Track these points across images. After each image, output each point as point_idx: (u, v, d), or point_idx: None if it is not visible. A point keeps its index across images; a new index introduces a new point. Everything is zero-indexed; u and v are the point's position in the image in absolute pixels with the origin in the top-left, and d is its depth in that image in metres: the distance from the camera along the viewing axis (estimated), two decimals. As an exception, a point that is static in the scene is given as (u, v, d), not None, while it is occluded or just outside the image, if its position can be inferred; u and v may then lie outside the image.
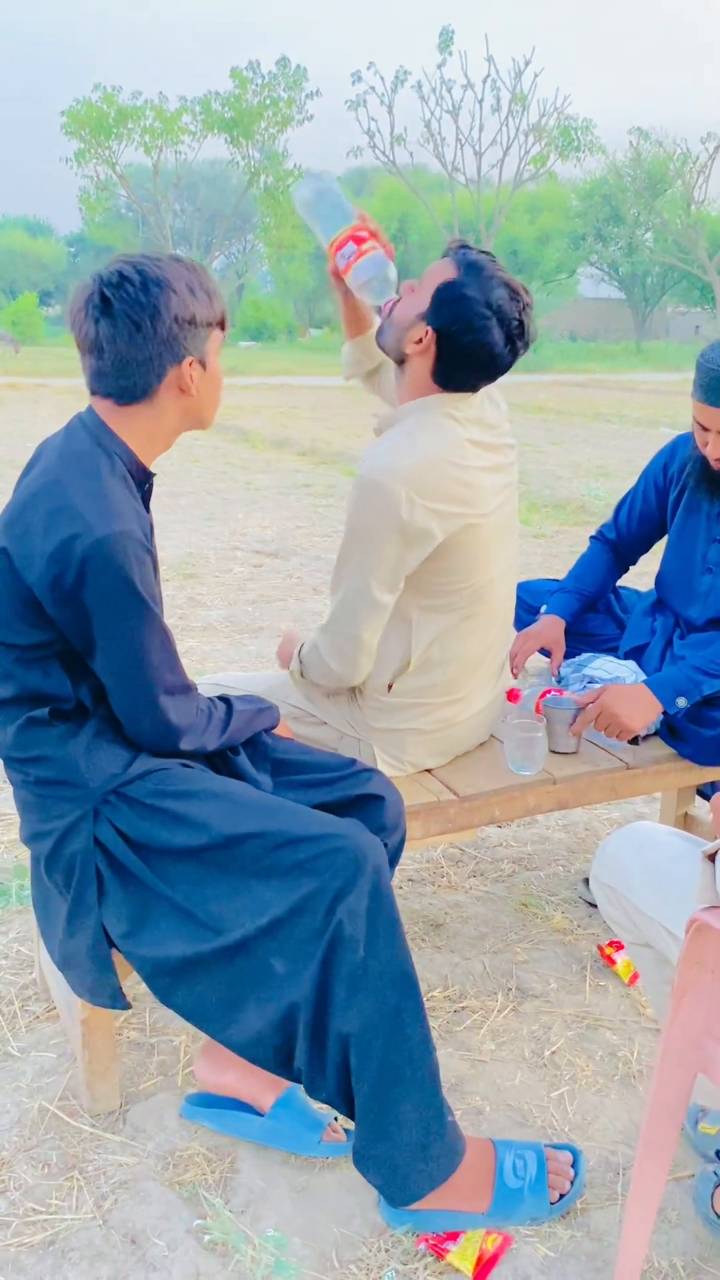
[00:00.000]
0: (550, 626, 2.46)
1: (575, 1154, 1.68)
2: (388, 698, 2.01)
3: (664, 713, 2.15)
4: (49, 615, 1.52)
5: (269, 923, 1.52)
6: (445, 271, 1.86)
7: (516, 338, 1.85)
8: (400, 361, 1.93)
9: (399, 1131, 1.54)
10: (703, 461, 2.24)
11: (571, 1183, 1.64)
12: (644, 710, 2.13)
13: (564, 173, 37.93)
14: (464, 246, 1.91)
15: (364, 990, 1.51)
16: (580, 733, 2.17)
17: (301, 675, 2.04)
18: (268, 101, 33.91)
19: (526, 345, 1.90)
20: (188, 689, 1.66)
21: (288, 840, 1.55)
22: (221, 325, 1.66)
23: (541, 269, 36.67)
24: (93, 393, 1.61)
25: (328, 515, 7.55)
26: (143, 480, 1.65)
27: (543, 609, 2.53)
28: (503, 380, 2.10)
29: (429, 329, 1.84)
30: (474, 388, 1.90)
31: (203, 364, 1.62)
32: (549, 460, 10.56)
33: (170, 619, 4.65)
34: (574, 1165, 1.67)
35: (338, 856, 1.53)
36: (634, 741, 2.23)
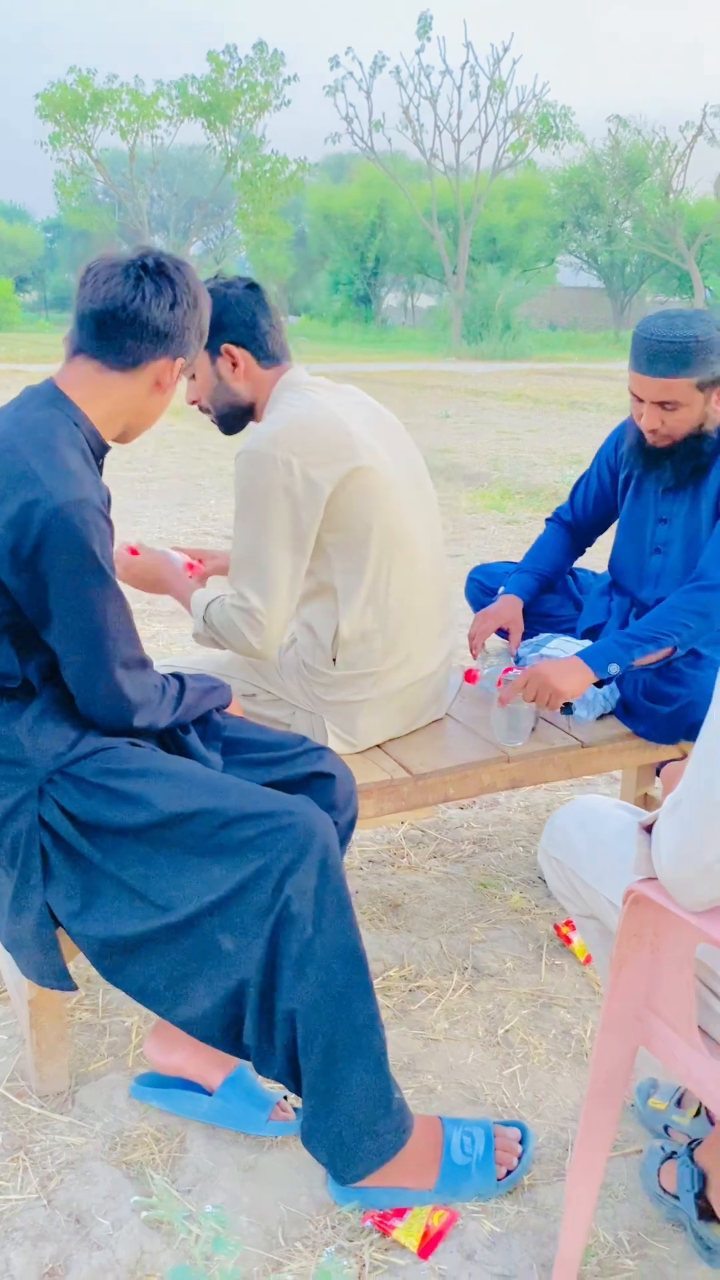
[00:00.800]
0: (508, 606, 2.45)
1: (524, 1130, 1.68)
2: (335, 671, 2.01)
3: (598, 681, 2.17)
4: (3, 584, 1.50)
5: (217, 900, 1.51)
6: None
7: (235, 284, 1.97)
8: (251, 405, 2.03)
9: (346, 1108, 1.53)
10: (639, 438, 2.23)
11: (519, 1159, 1.64)
12: (574, 677, 2.12)
13: (542, 160, 37.87)
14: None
15: (311, 967, 1.50)
16: (508, 700, 2.16)
17: (204, 636, 2.01)
18: (245, 86, 33.64)
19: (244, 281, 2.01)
20: (144, 663, 1.64)
21: (235, 817, 1.54)
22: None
23: (520, 257, 36.58)
24: (77, 352, 1.60)
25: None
26: (100, 453, 1.64)
27: (500, 590, 2.53)
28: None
29: (228, 349, 1.95)
30: (281, 343, 2.01)
31: (179, 376, 1.66)
32: (524, 448, 10.57)
33: (136, 603, 4.61)
34: (522, 1142, 1.66)
35: (286, 833, 1.52)
36: (567, 710, 2.24)
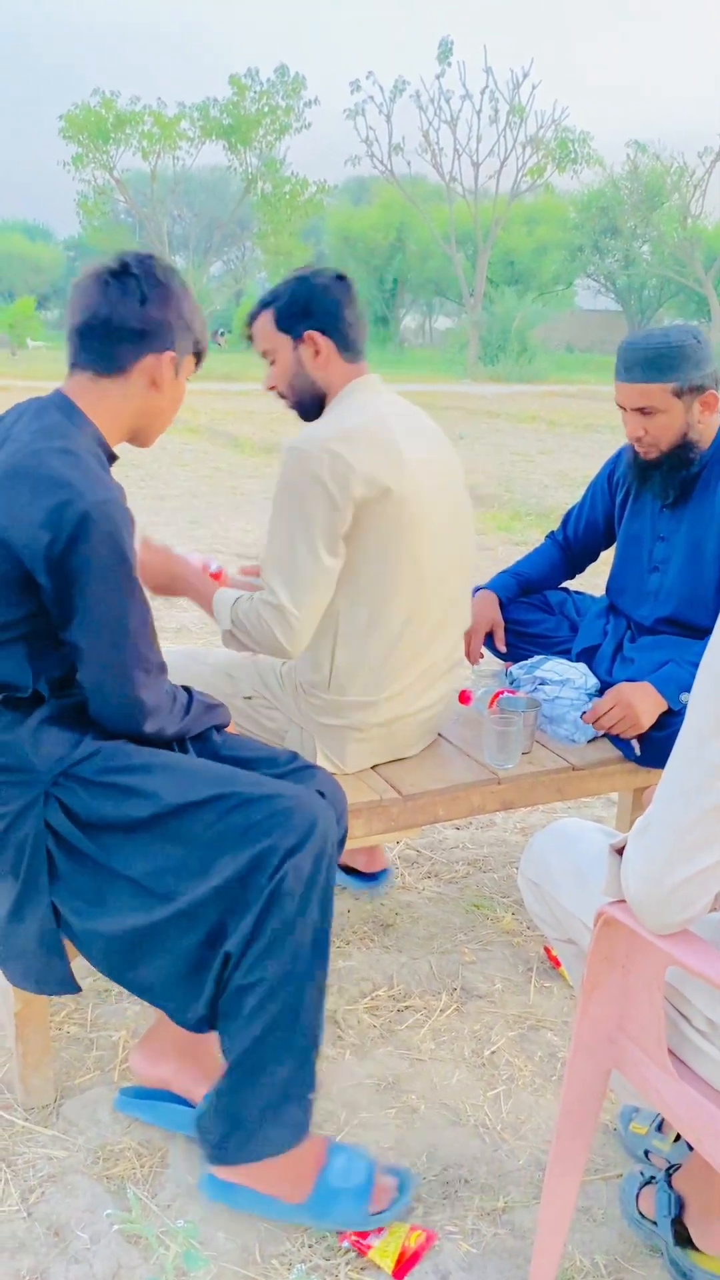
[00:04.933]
0: (484, 607, 2.48)
1: (404, 1180, 1.66)
2: (327, 695, 2.02)
3: (669, 710, 2.15)
4: (36, 585, 1.51)
5: (221, 884, 1.51)
6: (267, 322, 1.99)
7: (323, 273, 1.98)
8: (324, 391, 2.01)
9: (262, 1089, 1.53)
10: (635, 454, 2.27)
11: (391, 1205, 1.62)
12: (651, 706, 2.13)
13: (561, 184, 38.09)
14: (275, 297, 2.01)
15: (288, 943, 1.51)
16: (592, 720, 2.17)
17: (232, 636, 1.99)
18: (266, 109, 33.99)
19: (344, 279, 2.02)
20: (162, 668, 1.66)
21: (241, 802, 1.55)
22: (199, 357, 1.73)
23: (538, 280, 36.70)
24: (73, 366, 1.65)
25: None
26: (109, 460, 1.68)
27: (476, 590, 2.54)
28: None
29: (311, 336, 1.95)
30: (363, 339, 2.01)
31: (175, 369, 1.67)
32: (536, 469, 10.59)
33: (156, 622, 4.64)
34: (400, 1188, 1.64)
35: (292, 815, 1.54)
36: (640, 739, 2.22)
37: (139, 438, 1.73)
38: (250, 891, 1.51)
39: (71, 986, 1.64)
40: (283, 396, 2.04)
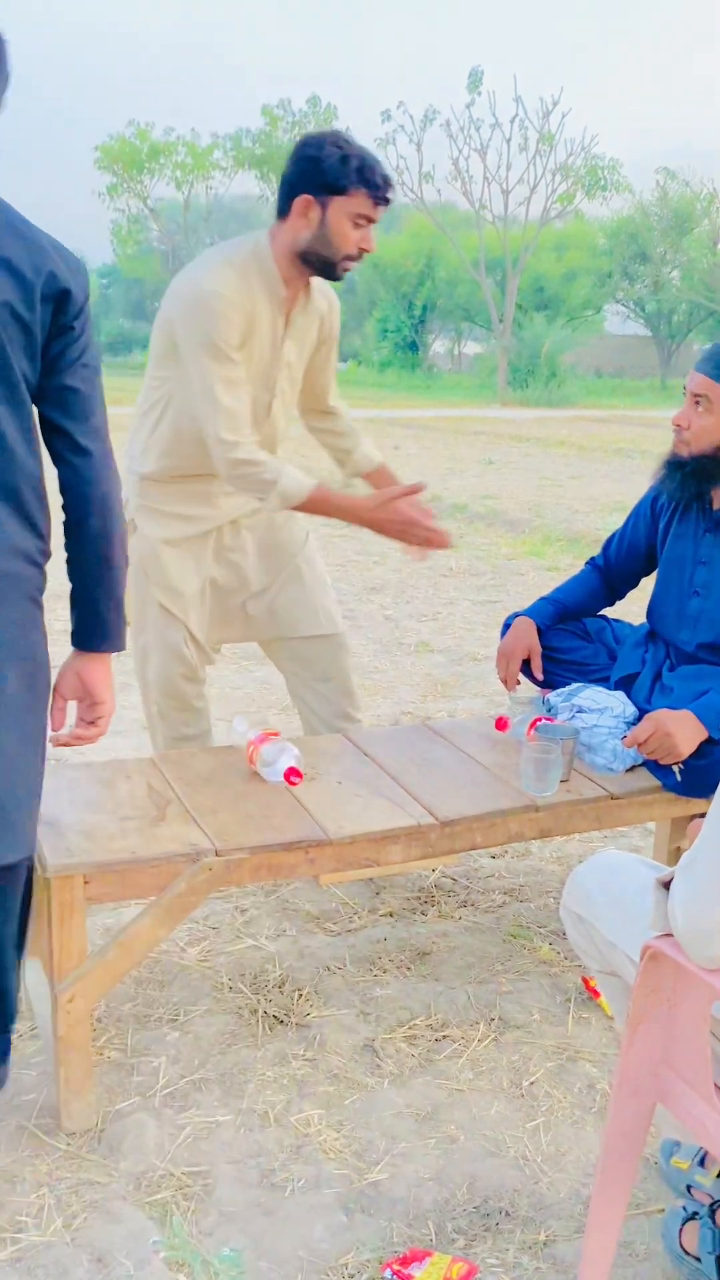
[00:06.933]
0: (522, 634, 2.49)
1: None
2: None
3: (710, 739, 2.14)
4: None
5: None
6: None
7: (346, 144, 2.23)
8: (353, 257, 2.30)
9: None
10: (679, 475, 2.28)
11: None
12: (691, 734, 2.13)
13: (590, 211, 38.18)
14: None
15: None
16: (632, 745, 2.17)
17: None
18: (298, 139, 34.42)
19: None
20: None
21: None
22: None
23: (568, 306, 36.78)
24: None
25: (337, 544, 7.56)
26: None
27: (514, 616, 2.56)
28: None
29: (306, 198, 2.24)
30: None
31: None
32: (566, 494, 10.59)
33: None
34: None
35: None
36: (680, 766, 2.21)
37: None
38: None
39: None
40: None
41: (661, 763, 2.17)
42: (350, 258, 2.28)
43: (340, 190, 2.20)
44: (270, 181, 34.83)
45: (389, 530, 2.37)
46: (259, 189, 35.45)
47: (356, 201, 2.22)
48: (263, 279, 2.28)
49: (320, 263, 2.29)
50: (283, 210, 2.27)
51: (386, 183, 2.25)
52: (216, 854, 1.85)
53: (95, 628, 1.71)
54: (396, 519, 2.35)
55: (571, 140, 34.32)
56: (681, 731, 2.11)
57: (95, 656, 1.73)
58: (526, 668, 2.55)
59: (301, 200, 2.23)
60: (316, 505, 2.33)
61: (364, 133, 31.79)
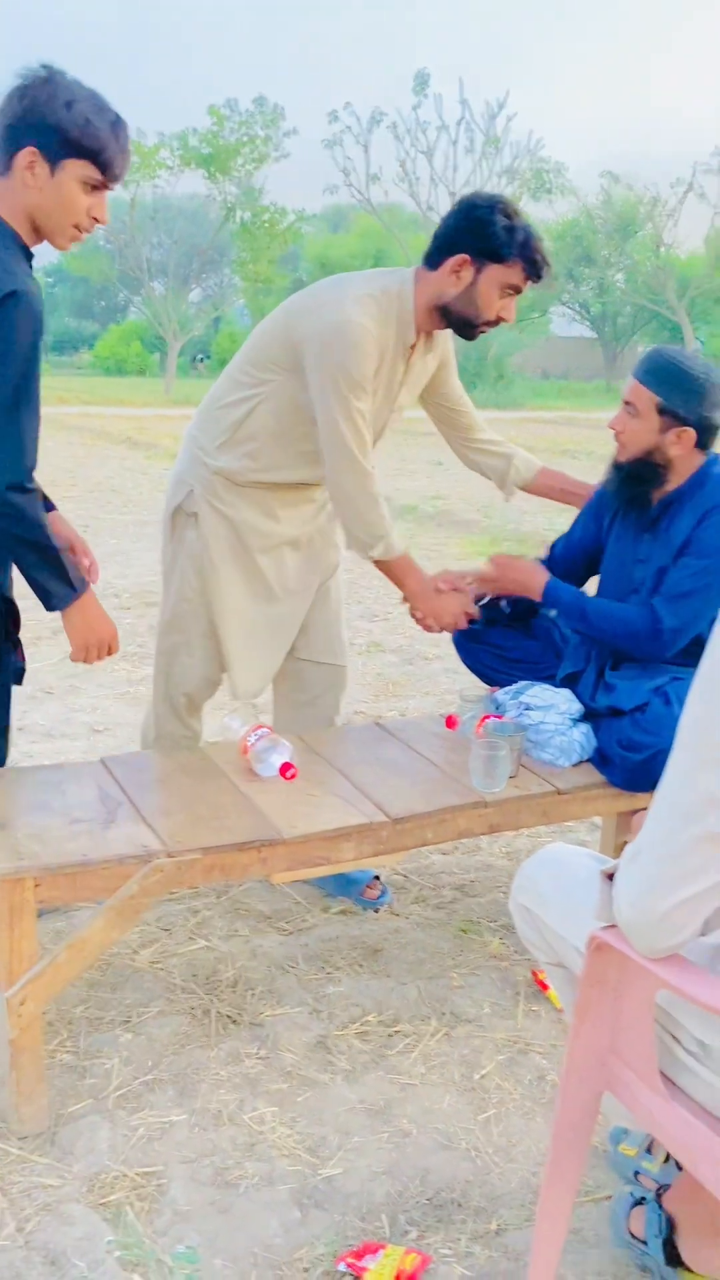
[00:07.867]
0: (533, 569, 2.52)
1: None
2: None
3: (539, 601, 2.44)
4: None
5: None
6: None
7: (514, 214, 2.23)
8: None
9: None
10: (618, 478, 2.34)
11: None
12: (533, 580, 2.42)
13: (536, 213, 38.48)
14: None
15: None
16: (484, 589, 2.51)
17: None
18: (245, 139, 34.26)
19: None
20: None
21: None
22: (94, 162, 1.87)
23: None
24: None
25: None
26: (28, 255, 1.92)
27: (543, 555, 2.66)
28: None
29: (463, 257, 2.22)
30: None
31: (49, 166, 1.84)
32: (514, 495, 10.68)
33: (130, 647, 4.65)
34: None
35: None
36: (621, 763, 2.25)
37: (47, 236, 1.93)
38: None
39: None
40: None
41: (505, 594, 2.48)
42: (489, 324, 2.28)
43: (500, 259, 2.19)
44: (217, 181, 34.70)
45: (426, 611, 2.45)
46: (205, 188, 35.26)
47: (512, 273, 2.22)
48: (398, 321, 2.26)
49: (460, 322, 2.28)
50: (434, 262, 2.24)
51: (545, 261, 2.23)
52: (168, 855, 1.85)
53: (40, 597, 2.03)
54: (440, 609, 2.45)
55: (517, 143, 34.48)
56: (521, 565, 2.47)
57: (61, 614, 2.05)
58: (477, 665, 2.59)
59: (458, 259, 2.20)
60: (400, 566, 2.39)
61: (311, 133, 31.77)
